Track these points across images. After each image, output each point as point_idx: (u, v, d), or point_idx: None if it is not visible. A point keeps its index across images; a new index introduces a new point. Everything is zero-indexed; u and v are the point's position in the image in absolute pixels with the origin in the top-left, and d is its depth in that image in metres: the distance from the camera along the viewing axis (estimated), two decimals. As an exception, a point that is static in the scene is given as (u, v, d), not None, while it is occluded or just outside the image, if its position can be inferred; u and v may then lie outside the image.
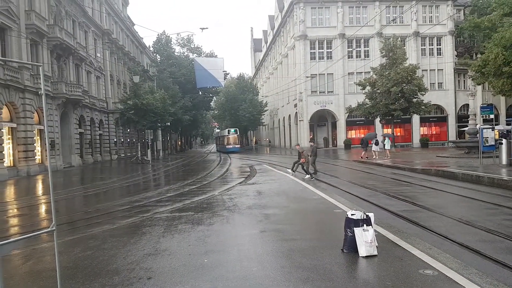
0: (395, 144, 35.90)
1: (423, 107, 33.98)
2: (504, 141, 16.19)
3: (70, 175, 22.81)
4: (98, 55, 38.15)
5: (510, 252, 5.57)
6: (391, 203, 9.59)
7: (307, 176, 15.95)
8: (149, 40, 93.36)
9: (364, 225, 5.07)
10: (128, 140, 47.94)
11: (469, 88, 29.60)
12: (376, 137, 26.45)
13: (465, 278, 4.11)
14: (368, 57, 43.37)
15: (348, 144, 42.33)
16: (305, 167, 16.33)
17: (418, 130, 44.52)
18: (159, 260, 5.22)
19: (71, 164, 29.30)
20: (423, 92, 33.36)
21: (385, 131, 36.24)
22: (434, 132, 45.85)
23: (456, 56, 44.99)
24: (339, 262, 4.86)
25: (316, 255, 5.14)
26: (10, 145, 22.81)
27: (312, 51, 44.33)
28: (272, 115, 64.14)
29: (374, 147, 24.85)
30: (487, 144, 17.66)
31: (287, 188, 12.38)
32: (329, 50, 44.15)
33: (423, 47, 44.63)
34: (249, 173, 18.84)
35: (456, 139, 39.76)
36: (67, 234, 7.21)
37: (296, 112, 46.15)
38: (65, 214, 9.69)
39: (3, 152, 21.25)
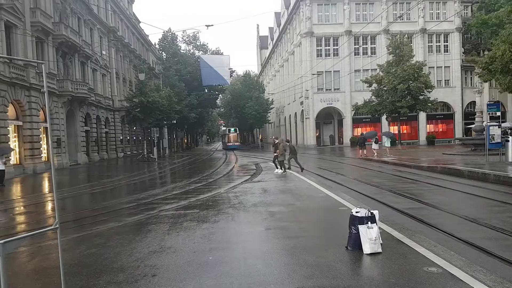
0: (402, 141, 35.72)
1: (429, 104, 33.77)
2: (510, 138, 16.03)
3: (76, 173, 22.99)
4: (104, 52, 38.33)
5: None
6: (397, 201, 9.54)
7: (280, 170, 15.94)
8: (154, 38, 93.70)
9: (369, 222, 5.06)
10: (134, 138, 48.19)
11: (476, 85, 29.32)
12: (375, 136, 26.24)
13: (469, 275, 4.08)
14: (374, 54, 43.09)
15: (354, 141, 42.12)
16: (278, 160, 16.28)
17: (424, 127, 44.21)
18: (163, 258, 5.25)
19: (77, 162, 29.52)
20: (429, 89, 33.13)
21: (392, 128, 36.04)
22: (440, 130, 45.51)
23: (463, 53, 44.53)
24: (343, 259, 4.86)
25: (321, 253, 5.14)
26: (16, 143, 23.03)
27: (319, 48, 44.15)
28: (278, 112, 64.06)
29: (373, 146, 24.77)
30: (493, 142, 17.48)
31: (292, 185, 12.37)
32: (335, 47, 43.93)
33: (430, 44, 44.23)
34: (254, 170, 18.85)
35: (463, 136, 39.42)
36: (72, 231, 7.28)
37: (302, 110, 46.05)
38: (71, 212, 9.78)
39: (10, 150, 21.43)
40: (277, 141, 17.97)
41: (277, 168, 16.62)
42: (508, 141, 16.24)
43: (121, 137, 41.85)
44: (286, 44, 55.55)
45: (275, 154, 16.99)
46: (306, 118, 44.88)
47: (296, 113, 50.89)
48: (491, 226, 6.72)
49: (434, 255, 4.74)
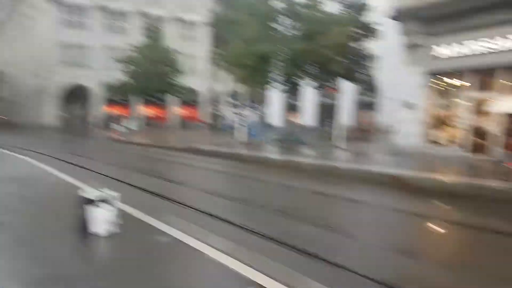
0: (152, 123, 36.83)
1: (178, 88, 35.89)
2: (237, 122, 19.27)
3: None
4: None
5: (237, 212, 6.49)
6: (142, 180, 9.44)
7: None
8: None
9: (103, 203, 4.63)
10: None
11: (219, 76, 33.36)
12: (119, 118, 27.39)
13: (200, 241, 4.38)
14: (129, 34, 41.87)
15: (104, 122, 40.08)
16: None
17: (175, 111, 46.70)
18: None
19: None
20: (178, 75, 35.16)
21: (143, 110, 36.46)
22: (190, 114, 49.42)
23: (212, 45, 49.29)
24: (77, 246, 4.43)
25: (51, 243, 4.48)
26: None
27: (66, 17, 39.16)
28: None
29: (116, 127, 25.37)
30: (227, 124, 20.46)
31: (24, 174, 10.23)
32: (86, 20, 40.07)
33: (182, 32, 46.55)
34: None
35: (209, 120, 44.26)
36: None
37: (43, 84, 39.91)
38: None
39: None
40: None
41: None
42: (240, 124, 19.31)
43: None
44: (26, 6, 46.28)
45: None
46: (47, 94, 39.17)
47: (35, 86, 43.55)
48: (225, 196, 7.64)
49: (170, 227, 4.85)
